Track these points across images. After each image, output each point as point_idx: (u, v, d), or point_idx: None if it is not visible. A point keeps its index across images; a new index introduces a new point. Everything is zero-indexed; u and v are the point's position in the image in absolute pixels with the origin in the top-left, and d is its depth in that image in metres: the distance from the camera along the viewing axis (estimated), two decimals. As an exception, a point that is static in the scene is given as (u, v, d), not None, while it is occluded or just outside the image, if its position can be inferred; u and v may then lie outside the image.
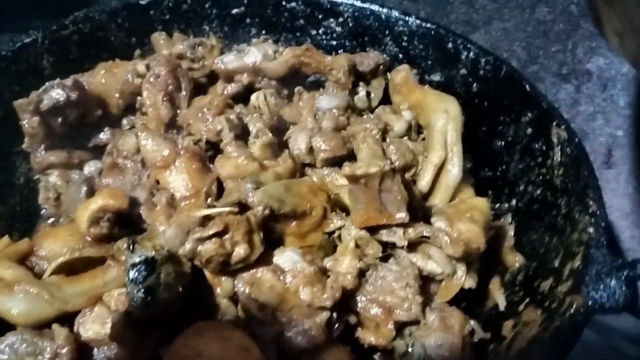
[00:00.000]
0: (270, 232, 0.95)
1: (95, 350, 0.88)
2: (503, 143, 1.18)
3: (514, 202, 1.13)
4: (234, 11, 1.42)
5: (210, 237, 0.86)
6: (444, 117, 1.12)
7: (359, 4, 1.37)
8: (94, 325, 0.89)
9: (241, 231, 0.87)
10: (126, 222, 1.03)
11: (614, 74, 1.21)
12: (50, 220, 1.16)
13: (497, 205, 1.16)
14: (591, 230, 0.87)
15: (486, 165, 1.21)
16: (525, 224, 1.08)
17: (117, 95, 1.24)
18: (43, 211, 1.17)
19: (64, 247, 0.99)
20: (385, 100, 1.31)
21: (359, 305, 0.94)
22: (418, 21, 1.32)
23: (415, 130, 1.18)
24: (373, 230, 0.97)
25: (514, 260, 1.04)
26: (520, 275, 1.01)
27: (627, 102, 1.21)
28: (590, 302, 0.78)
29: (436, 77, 1.32)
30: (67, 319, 0.89)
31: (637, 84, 1.19)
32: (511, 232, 1.09)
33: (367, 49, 1.37)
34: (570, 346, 0.75)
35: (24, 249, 1.00)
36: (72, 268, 0.95)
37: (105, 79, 1.24)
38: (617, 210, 1.33)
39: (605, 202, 1.28)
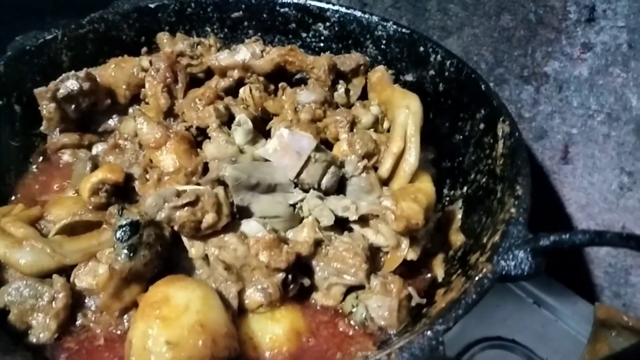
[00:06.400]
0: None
1: (87, 298, 1.05)
2: (461, 137, 1.31)
3: (465, 189, 1.25)
4: (233, 15, 1.59)
5: (183, 205, 1.02)
6: (405, 112, 1.24)
7: (343, 10, 1.52)
8: (87, 277, 1.05)
9: (210, 201, 1.02)
10: (122, 194, 1.20)
11: (568, 76, 1.32)
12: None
13: (452, 192, 1.29)
14: (513, 210, 0.99)
15: (446, 157, 1.34)
16: (471, 208, 1.20)
17: (124, 86, 1.41)
18: (55, 185, 1.35)
19: (68, 213, 1.16)
20: (365, 97, 1.45)
21: (313, 270, 1.08)
22: (395, 26, 1.46)
23: (382, 123, 1.32)
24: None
25: (457, 239, 1.16)
26: (459, 252, 1.13)
27: (579, 102, 1.32)
28: (498, 269, 0.90)
29: (409, 77, 1.46)
30: (66, 271, 1.06)
31: (588, 85, 1.30)
32: (459, 216, 1.22)
33: (351, 51, 1.51)
34: (472, 305, 0.87)
35: (35, 213, 1.17)
36: (73, 230, 1.12)
37: (115, 72, 1.41)
38: (574, 203, 1.44)
39: (563, 195, 1.41)
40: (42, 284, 1.02)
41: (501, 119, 1.17)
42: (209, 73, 1.47)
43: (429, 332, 0.82)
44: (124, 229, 1.00)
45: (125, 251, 0.99)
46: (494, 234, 1.00)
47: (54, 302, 1.00)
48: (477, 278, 0.90)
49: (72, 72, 1.33)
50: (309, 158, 1.12)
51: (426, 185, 1.16)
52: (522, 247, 0.92)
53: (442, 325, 0.83)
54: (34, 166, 1.36)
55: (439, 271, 1.14)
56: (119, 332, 1.02)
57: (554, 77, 1.35)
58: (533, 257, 0.91)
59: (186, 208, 1.02)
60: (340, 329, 1.06)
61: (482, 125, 1.24)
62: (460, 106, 1.32)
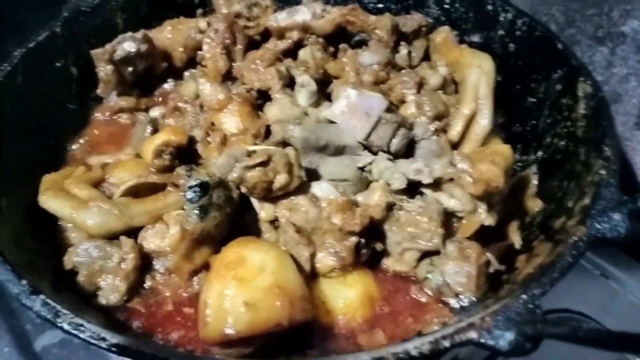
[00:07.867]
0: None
1: (155, 260, 1.02)
2: (534, 99, 1.25)
3: (539, 153, 1.20)
4: (289, -25, 1.53)
5: (255, 165, 0.98)
6: (477, 71, 1.19)
7: (404, -33, 1.45)
8: (155, 239, 1.03)
9: (282, 162, 0.99)
10: (185, 157, 1.17)
11: (648, 36, 1.25)
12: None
13: (525, 157, 1.23)
14: (603, 172, 0.94)
15: (517, 120, 1.28)
16: (548, 172, 1.14)
17: (181, 49, 1.38)
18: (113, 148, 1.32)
19: (131, 175, 1.14)
20: (427, 59, 1.39)
21: (386, 234, 1.04)
22: (460, -16, 1.39)
23: (450, 84, 1.26)
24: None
25: (535, 205, 1.11)
26: (538, 218, 1.08)
27: (660, 64, 1.25)
28: (592, 232, 0.85)
29: (475, 38, 1.39)
30: (133, 233, 1.03)
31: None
32: (534, 181, 1.16)
33: (411, 12, 1.45)
34: (568, 269, 0.82)
35: (97, 176, 1.15)
36: (137, 193, 1.10)
37: (171, 34, 1.38)
38: (647, 171, 1.37)
39: (635, 163, 1.34)
40: (111, 246, 1.00)
41: (581, 78, 1.11)
42: (265, 35, 1.43)
43: (524, 296, 0.78)
44: (194, 189, 0.97)
45: (197, 212, 0.96)
46: (581, 198, 0.95)
47: (123, 264, 0.98)
48: (571, 241, 0.85)
49: (129, 33, 1.29)
50: (379, 119, 1.08)
51: (502, 147, 1.11)
52: (618, 208, 0.87)
53: (539, 288, 0.79)
54: (91, 129, 1.33)
55: (516, 238, 1.09)
56: (187, 294, 1.00)
57: (632, 37, 1.28)
58: (630, 219, 0.86)
59: (257, 168, 0.98)
60: (413, 296, 1.03)
61: (558, 87, 1.17)
62: (532, 67, 1.25)
